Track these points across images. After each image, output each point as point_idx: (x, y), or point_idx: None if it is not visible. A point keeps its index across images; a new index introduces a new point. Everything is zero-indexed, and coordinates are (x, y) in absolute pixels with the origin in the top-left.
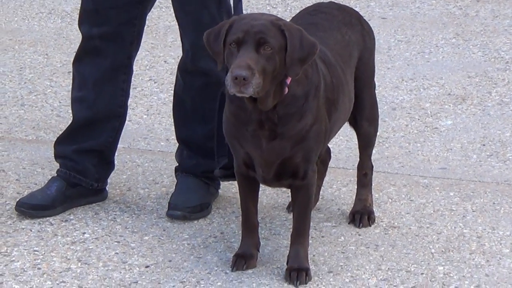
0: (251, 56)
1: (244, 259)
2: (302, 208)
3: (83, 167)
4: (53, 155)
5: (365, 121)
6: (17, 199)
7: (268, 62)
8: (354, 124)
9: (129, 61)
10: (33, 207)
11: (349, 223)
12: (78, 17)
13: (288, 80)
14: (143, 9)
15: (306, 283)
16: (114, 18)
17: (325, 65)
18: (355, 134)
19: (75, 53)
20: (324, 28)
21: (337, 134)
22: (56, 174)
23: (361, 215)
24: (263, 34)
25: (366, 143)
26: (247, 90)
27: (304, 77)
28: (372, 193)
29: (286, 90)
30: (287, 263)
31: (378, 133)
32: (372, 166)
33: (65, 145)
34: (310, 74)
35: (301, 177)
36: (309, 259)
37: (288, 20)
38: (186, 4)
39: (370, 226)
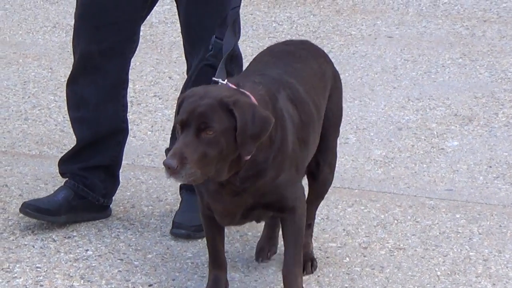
0: (189, 143)
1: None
2: (292, 240)
3: (91, 182)
4: (57, 171)
5: (327, 166)
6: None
7: (210, 147)
8: (315, 168)
9: (127, 76)
10: (38, 210)
11: None
12: (72, 34)
13: None
14: (141, 25)
15: None
16: (115, 34)
17: (293, 104)
18: (360, 154)
19: (69, 74)
20: (300, 57)
21: (342, 155)
22: (63, 184)
23: (304, 262)
24: (205, 118)
25: (320, 192)
26: (177, 179)
27: (267, 140)
28: (312, 241)
29: (248, 157)
30: None
31: (384, 153)
32: (315, 217)
33: (70, 164)
34: (274, 136)
35: (279, 210)
36: (314, 279)
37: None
38: (205, 20)
39: (312, 273)
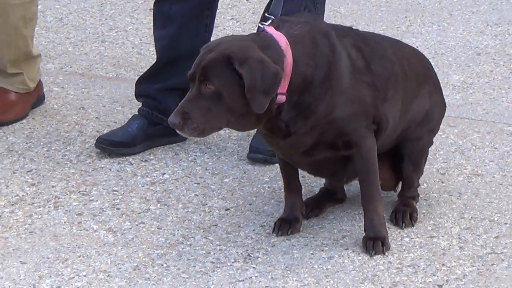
0: (192, 99)
1: (288, 223)
2: (363, 175)
3: (165, 107)
4: (133, 93)
5: (411, 165)
6: (97, 137)
7: (212, 101)
8: (400, 162)
9: (209, 9)
10: (113, 144)
11: (394, 224)
12: None
13: (283, 88)
14: None
15: (383, 253)
16: None
17: (359, 52)
18: (438, 79)
19: None
20: (408, 45)
21: None
22: (137, 113)
23: (403, 212)
24: (204, 72)
25: (406, 185)
26: (183, 134)
27: (301, 81)
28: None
29: (283, 98)
30: (364, 231)
31: (462, 79)
32: (419, 195)
33: (148, 83)
34: (310, 75)
35: (344, 147)
36: (391, 205)
37: None
38: None
39: (412, 226)
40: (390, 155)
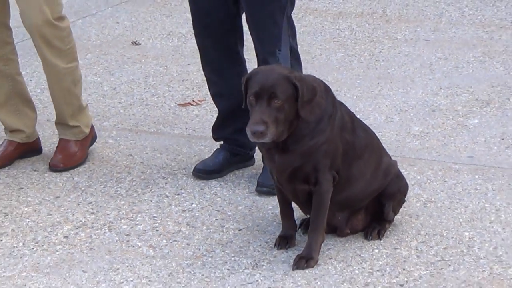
0: (264, 111)
1: (286, 240)
2: (315, 210)
3: (242, 142)
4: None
5: (391, 210)
6: (193, 167)
7: (278, 112)
8: (380, 207)
9: (238, 55)
10: (207, 172)
11: (364, 238)
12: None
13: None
14: (237, 19)
15: (303, 268)
16: (217, 28)
17: (351, 119)
18: (402, 130)
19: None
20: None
21: (388, 130)
22: (219, 147)
23: (373, 228)
24: (274, 89)
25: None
26: (264, 139)
27: (317, 107)
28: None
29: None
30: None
31: (421, 129)
32: (393, 220)
33: (221, 130)
34: (323, 105)
35: (313, 183)
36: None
37: None
38: (255, 17)
39: (380, 239)
40: (370, 205)
